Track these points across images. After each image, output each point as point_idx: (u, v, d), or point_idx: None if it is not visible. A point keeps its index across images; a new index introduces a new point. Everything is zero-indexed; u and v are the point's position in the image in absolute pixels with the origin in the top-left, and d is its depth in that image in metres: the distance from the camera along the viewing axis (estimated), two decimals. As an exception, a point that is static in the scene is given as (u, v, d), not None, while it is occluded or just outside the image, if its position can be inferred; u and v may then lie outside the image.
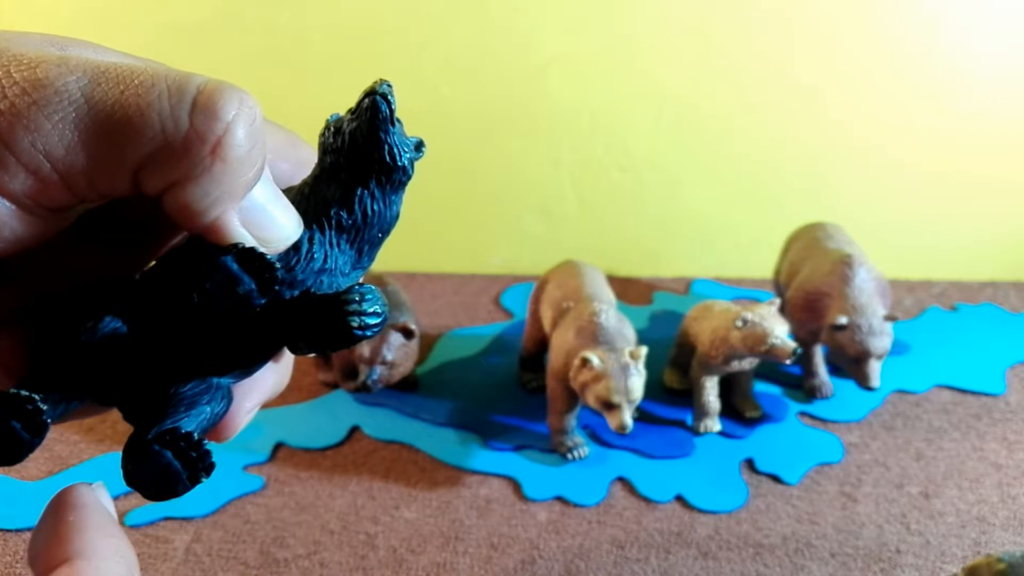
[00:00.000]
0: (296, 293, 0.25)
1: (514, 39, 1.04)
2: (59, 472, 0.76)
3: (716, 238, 1.15)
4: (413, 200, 1.24)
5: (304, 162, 0.31)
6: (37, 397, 0.23)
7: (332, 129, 0.28)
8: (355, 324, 0.25)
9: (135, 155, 0.22)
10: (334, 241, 0.27)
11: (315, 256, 0.26)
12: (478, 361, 0.95)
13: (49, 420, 0.23)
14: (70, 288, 0.26)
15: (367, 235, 0.27)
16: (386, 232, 0.28)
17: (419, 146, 0.29)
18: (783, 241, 0.98)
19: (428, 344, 0.97)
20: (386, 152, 0.26)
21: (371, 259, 0.28)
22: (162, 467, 0.24)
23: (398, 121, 0.28)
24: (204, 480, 0.25)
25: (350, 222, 0.27)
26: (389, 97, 0.27)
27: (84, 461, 0.78)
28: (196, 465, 0.25)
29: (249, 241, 0.24)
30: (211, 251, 0.24)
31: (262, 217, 0.25)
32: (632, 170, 1.11)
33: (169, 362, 0.25)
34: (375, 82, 0.28)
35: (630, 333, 0.76)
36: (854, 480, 0.77)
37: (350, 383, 0.87)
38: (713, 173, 1.10)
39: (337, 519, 0.72)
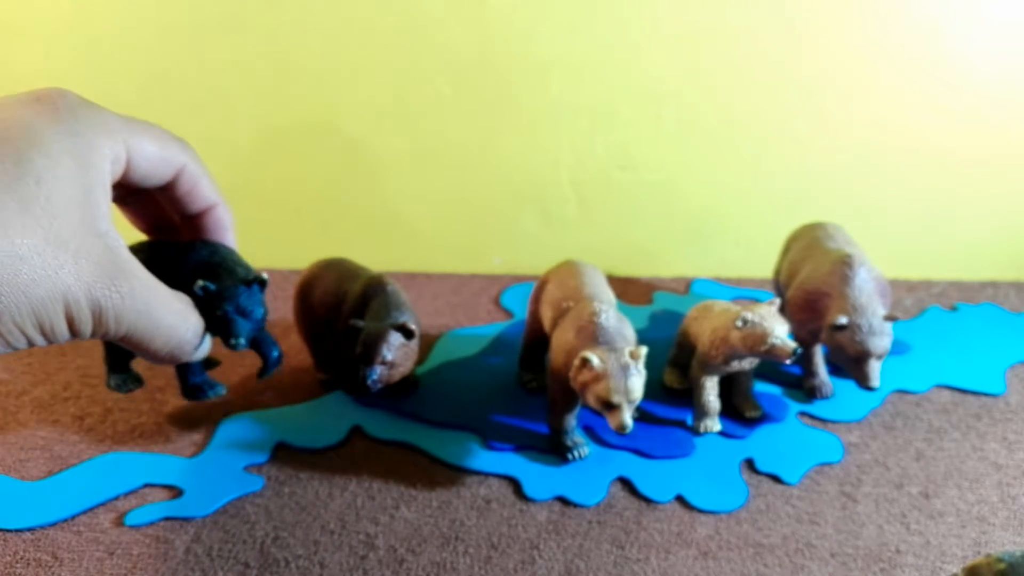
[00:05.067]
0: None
1: (514, 39, 1.04)
2: (59, 472, 0.76)
3: (716, 238, 1.15)
4: (413, 200, 1.24)
5: (170, 161, 0.51)
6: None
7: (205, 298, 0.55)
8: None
9: None
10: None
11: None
12: (478, 361, 0.95)
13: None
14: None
15: None
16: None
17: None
18: (783, 241, 0.98)
19: (428, 344, 0.97)
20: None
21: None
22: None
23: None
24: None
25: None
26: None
27: (84, 461, 0.78)
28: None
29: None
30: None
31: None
32: (632, 170, 1.11)
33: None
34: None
35: (630, 333, 0.76)
36: (854, 480, 0.77)
37: (350, 383, 0.87)
38: (713, 173, 1.10)
39: (337, 519, 0.72)
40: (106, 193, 0.44)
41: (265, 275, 0.57)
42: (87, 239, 0.42)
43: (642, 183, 1.11)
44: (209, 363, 0.67)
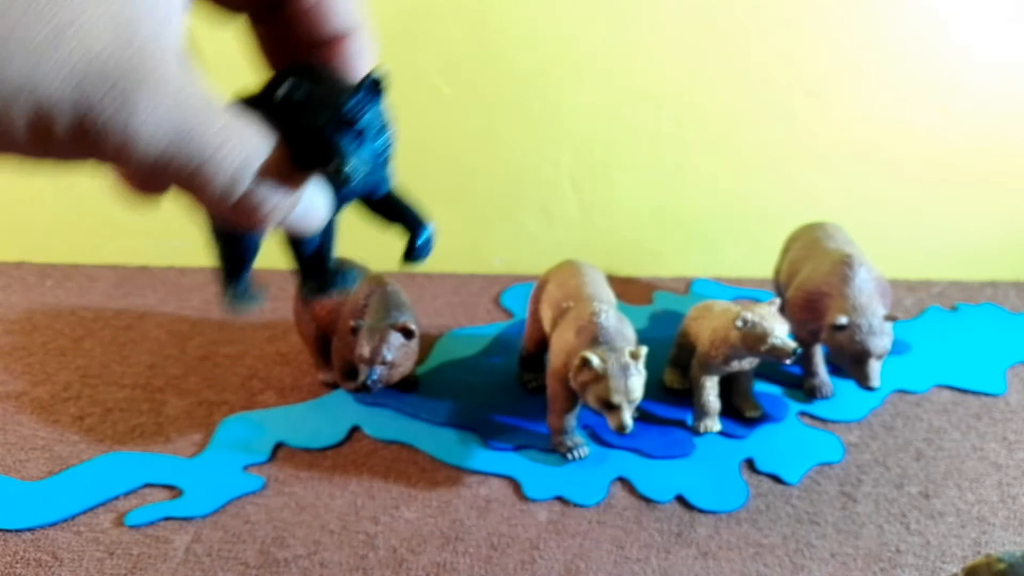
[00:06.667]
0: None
1: (514, 39, 1.04)
2: (59, 472, 0.76)
3: (716, 238, 1.15)
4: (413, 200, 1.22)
5: None
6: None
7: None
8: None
9: None
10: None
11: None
12: (478, 361, 0.95)
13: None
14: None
15: None
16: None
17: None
18: (783, 241, 0.98)
19: (428, 344, 0.97)
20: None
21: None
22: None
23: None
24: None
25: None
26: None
27: (84, 461, 0.78)
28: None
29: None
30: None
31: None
32: (632, 170, 1.11)
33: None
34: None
35: (630, 333, 0.76)
36: (854, 480, 0.77)
37: (350, 383, 0.87)
38: (713, 173, 1.10)
39: (337, 519, 0.72)
40: None
41: (384, 71, 0.34)
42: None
43: (642, 183, 1.11)
44: (324, 271, 0.42)
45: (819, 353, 0.89)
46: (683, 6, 1.02)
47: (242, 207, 0.29)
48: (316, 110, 0.32)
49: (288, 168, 0.30)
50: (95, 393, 0.88)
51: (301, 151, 0.31)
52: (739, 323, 0.78)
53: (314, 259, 0.40)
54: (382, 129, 0.33)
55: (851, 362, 0.80)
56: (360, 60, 0.36)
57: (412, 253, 0.39)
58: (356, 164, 0.31)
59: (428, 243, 0.40)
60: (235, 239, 0.37)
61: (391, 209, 0.38)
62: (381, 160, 0.34)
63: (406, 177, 1.27)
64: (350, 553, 0.68)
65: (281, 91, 0.32)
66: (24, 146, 0.26)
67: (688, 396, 0.85)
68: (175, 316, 1.04)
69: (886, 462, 0.79)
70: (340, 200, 0.34)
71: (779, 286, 0.97)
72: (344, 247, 1.06)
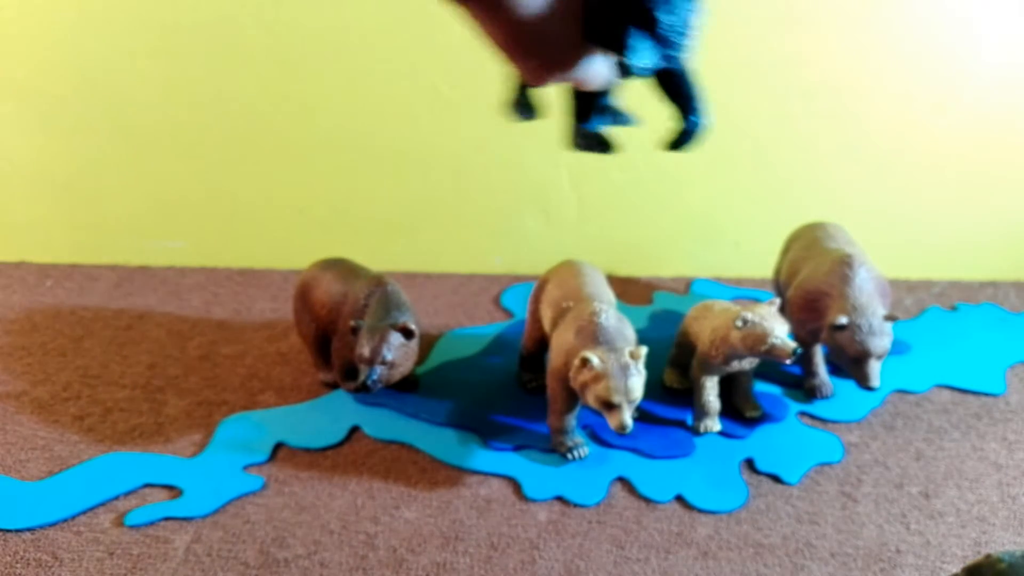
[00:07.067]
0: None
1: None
2: (59, 472, 0.76)
3: (716, 238, 1.15)
4: (413, 200, 1.24)
5: None
6: None
7: None
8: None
9: None
10: None
11: None
12: (478, 361, 0.95)
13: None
14: None
15: None
16: None
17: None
18: (783, 241, 0.98)
19: (428, 344, 0.97)
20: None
21: None
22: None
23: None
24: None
25: None
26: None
27: (84, 461, 0.78)
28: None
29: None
30: None
31: None
32: (632, 170, 1.11)
33: None
34: None
35: (630, 333, 0.76)
36: (854, 480, 0.77)
37: (350, 383, 0.87)
38: (713, 173, 1.10)
39: (337, 519, 0.72)
40: None
41: None
42: None
43: (642, 183, 1.11)
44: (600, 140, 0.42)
45: (819, 353, 0.89)
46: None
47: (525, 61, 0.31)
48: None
49: (577, 37, 0.31)
50: (95, 393, 0.88)
51: (600, 30, 0.32)
52: (739, 323, 0.78)
53: (596, 106, 0.40)
54: (688, 14, 0.33)
55: (851, 362, 0.80)
56: None
57: (676, 140, 0.39)
58: (652, 50, 0.32)
59: (691, 134, 0.39)
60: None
61: (674, 89, 0.37)
62: (676, 46, 0.33)
63: (407, 177, 1.26)
64: (350, 553, 0.68)
65: None
66: None
67: (688, 396, 0.85)
68: (175, 316, 1.04)
69: (886, 462, 0.79)
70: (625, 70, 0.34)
71: (779, 286, 0.97)
72: (344, 247, 1.05)
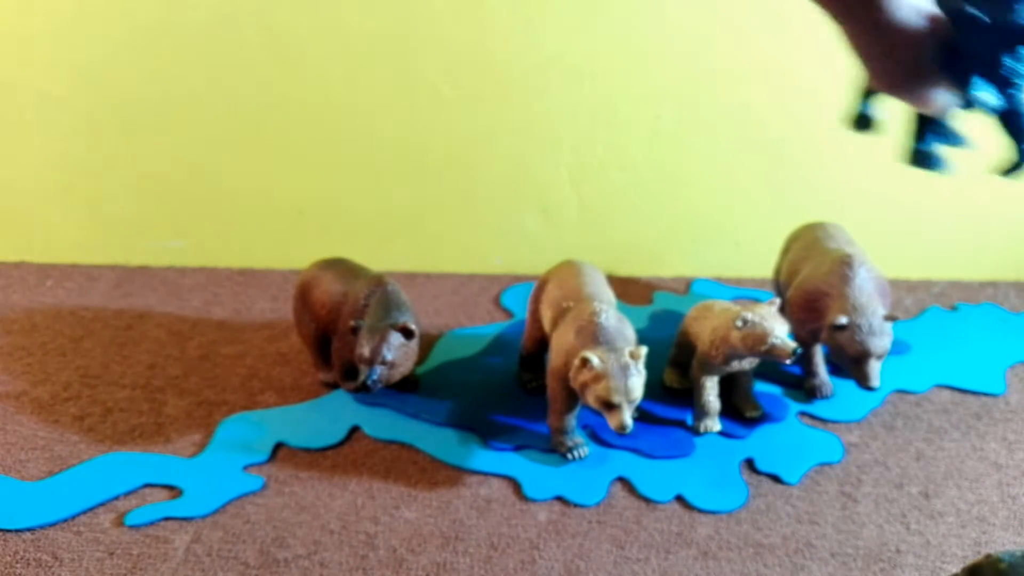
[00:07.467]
0: None
1: (514, 39, 1.04)
2: (59, 472, 0.76)
3: (716, 238, 1.15)
4: (413, 200, 1.24)
5: None
6: None
7: None
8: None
9: None
10: None
11: None
12: (478, 361, 0.95)
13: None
14: None
15: None
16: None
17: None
18: (783, 241, 0.98)
19: (428, 344, 0.97)
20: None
21: None
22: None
23: None
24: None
25: None
26: None
27: (84, 461, 0.78)
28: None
29: None
30: None
31: None
32: (632, 170, 1.11)
33: None
34: None
35: (630, 333, 0.76)
36: (854, 480, 0.77)
37: (350, 383, 0.87)
38: (713, 173, 1.10)
39: (337, 519, 0.72)
40: None
41: None
42: None
43: (642, 183, 1.11)
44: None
45: (819, 353, 0.88)
46: (683, 7, 1.02)
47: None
48: (997, 27, 0.37)
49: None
50: (95, 393, 0.88)
51: (966, 64, 0.38)
52: (739, 323, 0.78)
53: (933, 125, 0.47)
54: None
55: (851, 362, 0.80)
56: None
57: (1009, 168, 0.45)
58: (988, 98, 0.39)
59: (1022, 164, 0.44)
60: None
61: (1011, 124, 0.43)
62: (1018, 83, 0.40)
63: (406, 177, 1.26)
64: (350, 553, 0.68)
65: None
66: None
67: (688, 396, 0.85)
68: (175, 316, 1.04)
69: (886, 462, 0.79)
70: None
71: (779, 286, 0.97)
72: (344, 247, 1.05)
